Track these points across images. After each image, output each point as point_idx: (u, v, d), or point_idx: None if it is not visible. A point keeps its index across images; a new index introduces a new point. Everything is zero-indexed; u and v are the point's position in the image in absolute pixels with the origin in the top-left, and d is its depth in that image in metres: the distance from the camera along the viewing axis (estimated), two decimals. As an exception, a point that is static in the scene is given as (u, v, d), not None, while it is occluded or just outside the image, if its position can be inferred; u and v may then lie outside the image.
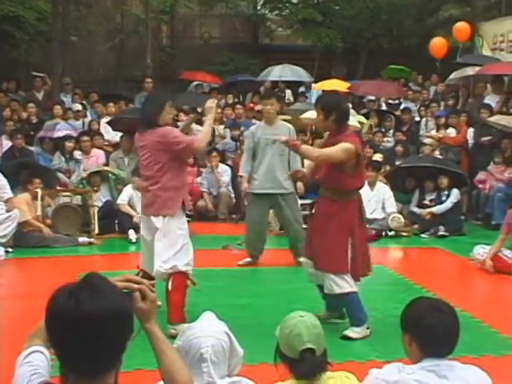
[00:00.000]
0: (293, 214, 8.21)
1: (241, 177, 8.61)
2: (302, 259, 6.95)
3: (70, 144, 11.33)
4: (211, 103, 6.09)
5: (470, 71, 13.61)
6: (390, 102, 15.42)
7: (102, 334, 1.85)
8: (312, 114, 12.21)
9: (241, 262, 8.28)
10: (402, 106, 14.65)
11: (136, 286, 2.18)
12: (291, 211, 8.20)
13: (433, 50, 15.39)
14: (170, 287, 5.70)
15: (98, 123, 12.78)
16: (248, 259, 8.34)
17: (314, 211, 5.86)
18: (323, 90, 15.48)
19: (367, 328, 5.66)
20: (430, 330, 2.84)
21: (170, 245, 5.69)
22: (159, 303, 5.95)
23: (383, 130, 13.17)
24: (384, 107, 15.03)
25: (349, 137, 5.55)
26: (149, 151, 5.77)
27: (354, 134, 5.80)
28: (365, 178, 5.88)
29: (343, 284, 5.56)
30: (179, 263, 5.70)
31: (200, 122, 13.44)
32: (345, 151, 5.40)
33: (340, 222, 5.55)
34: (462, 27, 14.83)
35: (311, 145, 12.14)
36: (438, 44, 15.29)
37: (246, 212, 8.84)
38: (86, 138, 11.55)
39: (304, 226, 10.17)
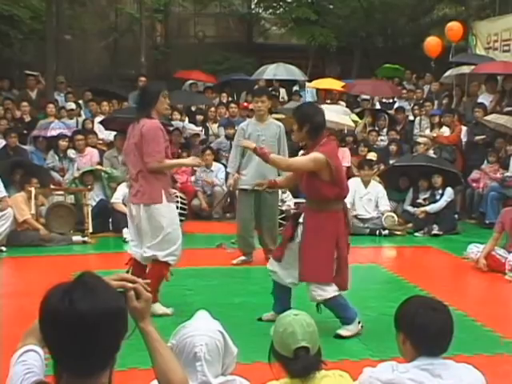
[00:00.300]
0: (271, 213, 8.28)
1: (227, 173, 8.59)
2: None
3: (63, 143, 11.31)
4: (195, 161, 6.72)
5: (466, 70, 13.63)
6: (384, 100, 15.43)
7: (95, 334, 1.85)
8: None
9: (235, 261, 8.28)
10: (396, 105, 14.66)
11: (130, 284, 2.17)
12: (270, 210, 8.26)
13: (427, 50, 15.41)
14: (147, 273, 5.99)
15: (92, 122, 12.76)
16: (242, 257, 8.34)
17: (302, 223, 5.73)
18: (317, 90, 15.53)
19: (359, 322, 5.66)
20: (424, 329, 2.85)
21: (154, 233, 5.94)
22: (171, 310, 6.02)
23: (377, 128, 13.18)
24: (378, 106, 15.04)
25: (323, 146, 5.51)
26: (134, 141, 5.96)
27: (330, 144, 5.71)
28: (347, 188, 5.78)
29: (327, 288, 5.55)
30: (159, 253, 5.96)
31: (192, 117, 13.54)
32: (314, 161, 5.40)
33: (325, 233, 5.51)
34: (454, 27, 14.84)
35: (305, 145, 12.17)
36: (432, 43, 15.31)
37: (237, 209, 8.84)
38: (80, 136, 11.53)
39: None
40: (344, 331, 5.59)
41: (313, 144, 5.56)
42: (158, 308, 6.04)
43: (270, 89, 15.87)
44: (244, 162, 8.14)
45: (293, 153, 11.72)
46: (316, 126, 5.58)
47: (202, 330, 2.95)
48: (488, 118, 11.71)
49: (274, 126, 8.08)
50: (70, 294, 1.86)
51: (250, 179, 7.94)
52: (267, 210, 8.23)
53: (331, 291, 5.55)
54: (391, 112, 14.05)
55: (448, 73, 14.34)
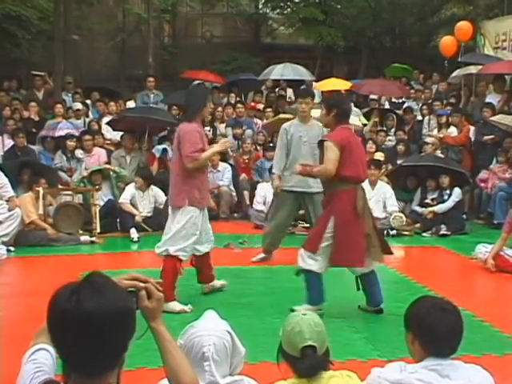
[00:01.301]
0: (316, 213, 8.03)
1: (273, 173, 8.60)
2: None
3: (71, 143, 11.32)
4: (225, 145, 7.08)
5: (473, 70, 13.59)
6: (394, 100, 15.40)
7: (103, 334, 1.85)
8: (315, 113, 12.23)
9: (254, 259, 8.32)
10: (405, 105, 14.61)
11: (142, 284, 2.18)
12: (315, 210, 8.03)
13: (443, 49, 15.28)
14: (161, 269, 6.22)
15: (98, 123, 12.76)
16: (262, 255, 8.38)
17: None
18: (323, 92, 15.48)
19: (320, 310, 5.75)
20: (433, 329, 2.84)
21: (167, 231, 6.36)
22: (189, 308, 6.08)
23: (385, 128, 13.16)
24: (387, 106, 15.01)
25: (333, 133, 6.12)
26: (175, 145, 6.37)
27: (341, 131, 6.07)
28: (360, 170, 6.07)
29: (309, 261, 5.98)
30: (170, 248, 6.23)
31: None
32: (333, 152, 5.88)
33: (325, 210, 6.11)
34: (464, 26, 14.78)
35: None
36: (447, 42, 15.19)
37: (273, 207, 8.86)
38: (88, 136, 11.54)
39: (306, 225, 10.27)
40: (298, 307, 5.72)
41: (334, 129, 6.14)
42: (176, 305, 6.10)
43: (277, 89, 15.90)
44: (288, 164, 8.04)
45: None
46: (341, 113, 6.10)
47: (210, 329, 2.95)
48: (494, 118, 11.67)
49: (316, 128, 7.94)
50: (78, 294, 1.86)
51: (294, 181, 7.91)
52: (312, 210, 8.08)
53: (309, 264, 5.98)
54: (399, 112, 14.00)
55: (455, 73, 14.30)
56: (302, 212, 10.29)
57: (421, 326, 2.88)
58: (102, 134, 12.19)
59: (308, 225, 9.83)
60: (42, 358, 2.21)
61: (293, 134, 7.96)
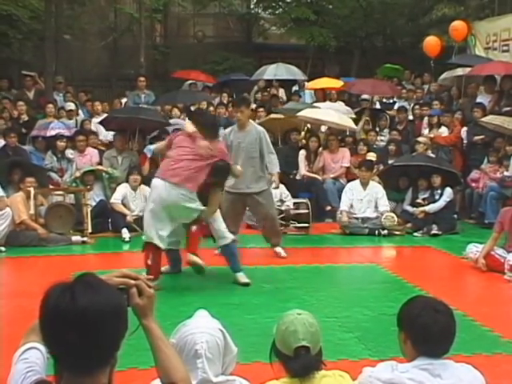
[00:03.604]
0: (264, 210, 8.50)
1: None
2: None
3: (61, 143, 11.26)
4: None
5: (461, 71, 13.64)
6: (385, 101, 15.42)
7: (96, 330, 1.85)
8: (308, 112, 12.25)
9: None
10: (396, 105, 14.63)
11: (133, 281, 2.18)
12: (262, 208, 8.49)
13: (426, 49, 15.38)
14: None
15: (90, 122, 12.74)
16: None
17: None
18: (315, 91, 15.47)
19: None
20: (425, 329, 2.84)
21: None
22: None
23: (377, 129, 13.18)
24: (378, 106, 15.03)
25: None
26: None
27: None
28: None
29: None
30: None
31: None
32: None
33: None
34: (459, 26, 14.82)
35: (306, 144, 12.19)
36: (431, 43, 15.28)
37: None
38: (81, 137, 11.51)
39: (298, 225, 10.30)
40: (240, 277, 7.19)
41: None
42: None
43: (269, 89, 15.88)
44: None
45: (293, 153, 11.82)
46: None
47: (203, 327, 2.95)
48: (484, 119, 11.71)
49: (253, 133, 8.40)
50: (72, 290, 1.87)
51: (234, 184, 8.25)
52: (259, 208, 8.56)
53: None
54: (391, 112, 14.02)
55: (444, 75, 14.35)
56: (295, 211, 10.38)
57: (413, 325, 2.89)
58: (97, 134, 12.16)
59: (300, 225, 10.01)
60: (33, 358, 2.20)
61: (232, 141, 8.36)
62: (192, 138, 6.94)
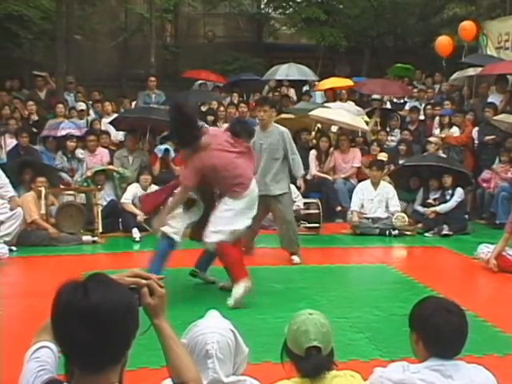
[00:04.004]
0: (282, 215, 8.33)
1: None
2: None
3: (71, 143, 11.28)
4: None
5: (472, 71, 13.59)
6: (395, 101, 15.38)
7: (108, 326, 1.85)
8: (320, 112, 12.23)
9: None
10: (407, 105, 14.59)
11: (144, 281, 2.18)
12: (280, 213, 8.31)
13: (438, 49, 15.31)
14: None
15: (100, 122, 12.76)
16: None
17: None
18: (325, 91, 15.41)
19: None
20: (437, 330, 2.83)
21: None
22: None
23: (388, 129, 13.14)
24: (388, 106, 14.99)
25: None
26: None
27: None
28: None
29: None
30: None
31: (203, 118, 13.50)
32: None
33: None
34: (467, 26, 14.76)
35: (317, 144, 12.17)
36: (443, 42, 15.21)
37: None
38: (92, 137, 11.54)
39: (308, 225, 10.28)
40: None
41: None
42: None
43: (279, 89, 15.86)
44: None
45: (303, 153, 11.79)
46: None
47: (214, 327, 2.95)
48: (497, 117, 11.66)
49: (275, 133, 8.23)
50: (84, 287, 1.88)
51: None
52: (278, 212, 8.39)
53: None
54: (402, 112, 13.98)
55: (455, 75, 14.29)
56: (306, 212, 10.35)
57: (425, 326, 2.87)
58: (109, 134, 12.19)
59: (310, 225, 9.96)
60: (45, 356, 2.20)
61: (254, 142, 8.01)
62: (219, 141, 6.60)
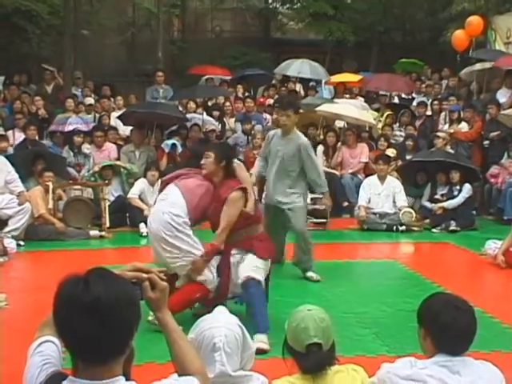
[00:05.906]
0: (294, 229, 7.52)
1: (250, 174, 7.52)
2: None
3: (78, 139, 11.29)
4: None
5: (479, 66, 13.52)
6: (404, 96, 15.31)
7: (109, 318, 1.86)
8: (327, 107, 12.19)
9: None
10: (415, 101, 14.52)
11: (145, 275, 2.18)
12: (292, 226, 7.47)
13: (455, 43, 15.15)
14: None
15: (109, 117, 12.78)
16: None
17: None
18: (335, 87, 15.28)
19: None
20: (446, 327, 2.83)
21: None
22: None
23: (398, 124, 13.09)
24: (396, 101, 14.93)
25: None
26: None
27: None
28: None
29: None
30: None
31: (209, 113, 13.48)
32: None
33: None
34: (474, 21, 14.67)
35: (324, 139, 12.15)
36: (460, 37, 15.06)
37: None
38: (99, 133, 11.55)
39: (316, 220, 10.25)
40: None
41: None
42: None
43: (286, 84, 15.78)
44: (267, 171, 7.60)
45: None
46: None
47: (221, 322, 2.95)
48: (505, 112, 11.61)
49: (294, 143, 7.27)
50: (85, 280, 1.90)
51: (269, 194, 7.56)
52: (289, 224, 7.51)
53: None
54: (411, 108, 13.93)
55: (465, 70, 14.21)
56: (313, 207, 10.29)
57: (434, 323, 2.87)
58: (116, 129, 12.19)
59: (317, 220, 9.78)
60: (49, 350, 2.21)
61: (271, 146, 7.45)
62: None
